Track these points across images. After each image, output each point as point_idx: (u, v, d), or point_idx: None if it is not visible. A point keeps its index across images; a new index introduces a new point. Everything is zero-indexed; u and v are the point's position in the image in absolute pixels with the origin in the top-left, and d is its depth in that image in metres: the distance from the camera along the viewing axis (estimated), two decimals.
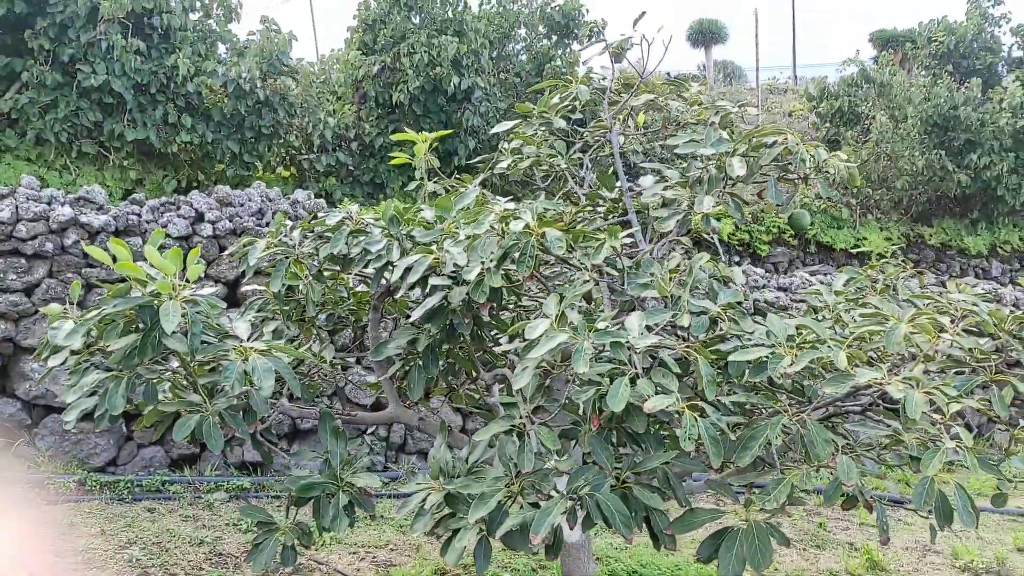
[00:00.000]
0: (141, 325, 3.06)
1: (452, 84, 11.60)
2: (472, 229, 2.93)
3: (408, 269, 3.03)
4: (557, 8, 13.79)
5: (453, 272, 3.01)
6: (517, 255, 2.79)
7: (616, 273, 3.07)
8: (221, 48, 11.95)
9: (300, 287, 3.96)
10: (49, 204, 6.40)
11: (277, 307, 4.27)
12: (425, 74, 11.59)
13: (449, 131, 5.76)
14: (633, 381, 2.44)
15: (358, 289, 4.17)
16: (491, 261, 2.83)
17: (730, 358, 2.57)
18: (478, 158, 4.34)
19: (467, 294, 2.90)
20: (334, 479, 3.28)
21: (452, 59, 11.63)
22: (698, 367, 2.48)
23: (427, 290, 3.23)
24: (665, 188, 3.29)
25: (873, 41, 21.63)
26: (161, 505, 6.04)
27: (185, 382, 3.30)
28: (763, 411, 2.76)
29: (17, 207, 6.27)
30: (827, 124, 14.99)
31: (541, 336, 2.53)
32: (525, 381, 2.62)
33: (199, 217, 6.79)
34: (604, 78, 3.86)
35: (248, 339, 3.25)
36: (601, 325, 2.57)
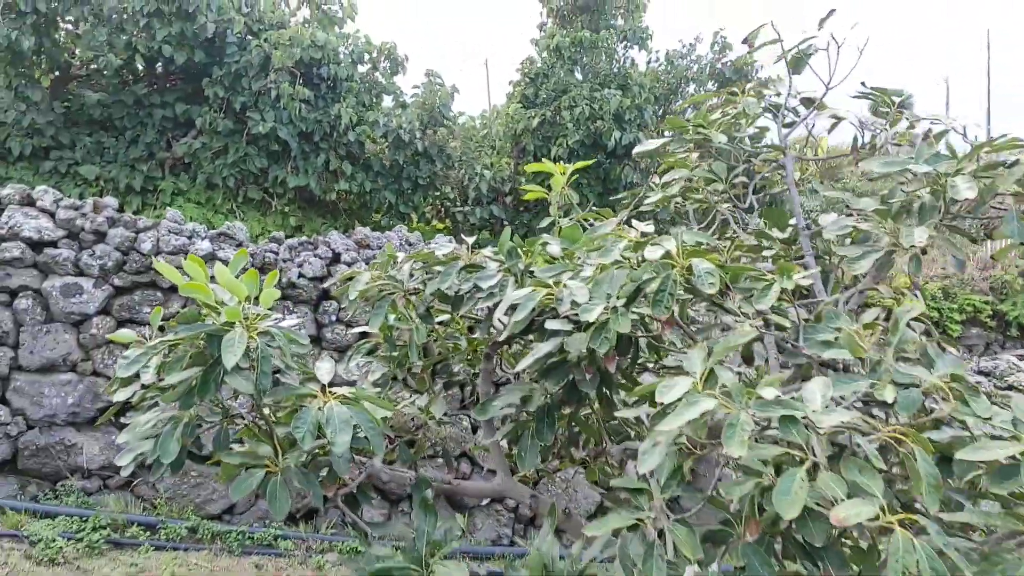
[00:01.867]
0: (209, 358, 2.61)
1: (612, 138, 11.07)
2: (598, 258, 2.29)
3: (513, 307, 2.42)
4: (728, 64, 13.05)
5: (573, 313, 2.37)
6: (653, 291, 2.10)
7: (788, 326, 2.32)
8: (386, 100, 12.06)
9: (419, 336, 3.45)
10: (190, 239, 6.34)
11: (388, 352, 3.78)
12: (585, 127, 11.15)
13: (591, 160, 5.12)
14: (812, 474, 1.69)
15: (475, 336, 3.60)
16: (618, 299, 2.17)
17: (958, 454, 1.76)
18: (622, 195, 3.67)
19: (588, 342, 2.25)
20: (417, 564, 2.67)
21: (614, 113, 11.14)
22: (912, 463, 1.69)
23: (545, 336, 2.61)
24: (857, 220, 2.51)
25: None
26: (270, 562, 5.65)
27: (257, 429, 2.81)
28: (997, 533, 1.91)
29: (159, 239, 6.23)
30: None
31: (680, 400, 1.83)
32: (655, 461, 1.91)
33: (335, 258, 6.52)
34: (778, 92, 3.14)
35: (330, 383, 2.73)
36: (767, 392, 1.84)
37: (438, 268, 3.19)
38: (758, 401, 1.82)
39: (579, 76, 12.27)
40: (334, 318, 6.49)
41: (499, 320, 2.94)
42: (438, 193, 11.92)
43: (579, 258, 2.67)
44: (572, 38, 11.86)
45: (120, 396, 2.77)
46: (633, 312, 2.22)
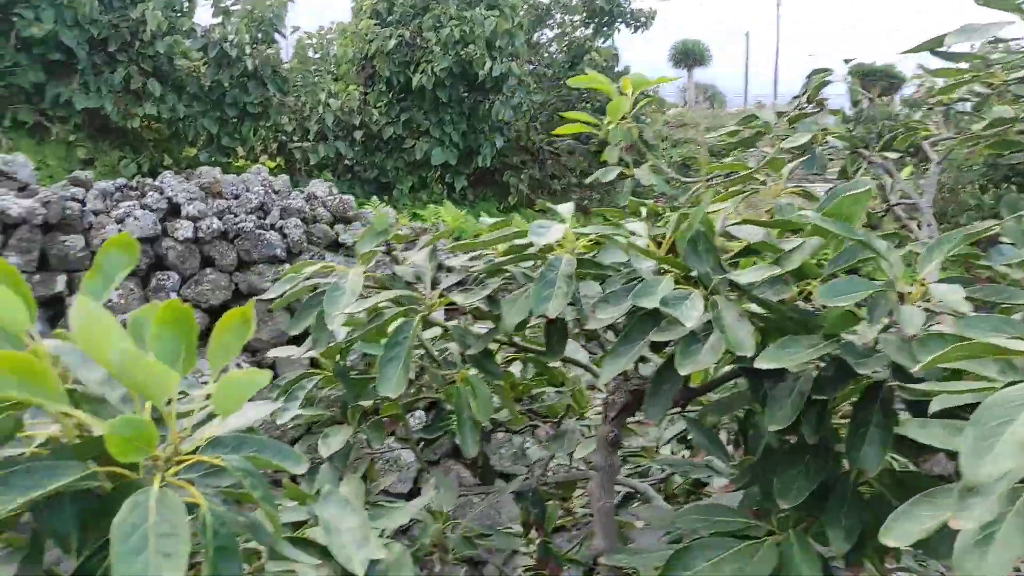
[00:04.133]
0: None
1: (484, 68, 9.49)
2: None
3: None
4: None
5: None
6: None
7: None
8: (203, 8, 9.72)
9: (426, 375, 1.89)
10: None
11: (331, 390, 2.19)
12: (455, 52, 9.46)
13: None
14: None
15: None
16: None
17: None
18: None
19: None
20: None
21: (487, 37, 9.53)
22: None
23: None
24: None
25: (854, 75, 20.54)
26: None
27: None
28: None
29: None
30: None
31: None
32: None
33: (173, 210, 4.59)
34: None
35: (358, 554, 1.15)
36: None
37: (510, 268, 1.63)
38: None
39: None
40: (173, 295, 4.58)
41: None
42: (270, 124, 9.83)
43: None
44: None
45: None
46: None
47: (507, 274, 1.67)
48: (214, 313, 4.68)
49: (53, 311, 4.54)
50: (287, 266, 4.65)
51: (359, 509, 1.17)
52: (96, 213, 4.47)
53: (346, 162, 10.28)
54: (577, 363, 1.72)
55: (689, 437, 2.54)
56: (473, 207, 10.37)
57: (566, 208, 1.62)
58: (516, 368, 2.17)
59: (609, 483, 1.57)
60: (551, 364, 1.99)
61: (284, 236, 4.89)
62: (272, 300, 1.74)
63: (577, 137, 11.49)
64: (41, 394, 0.84)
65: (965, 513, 0.82)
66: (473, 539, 1.99)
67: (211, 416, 1.03)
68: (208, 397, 0.93)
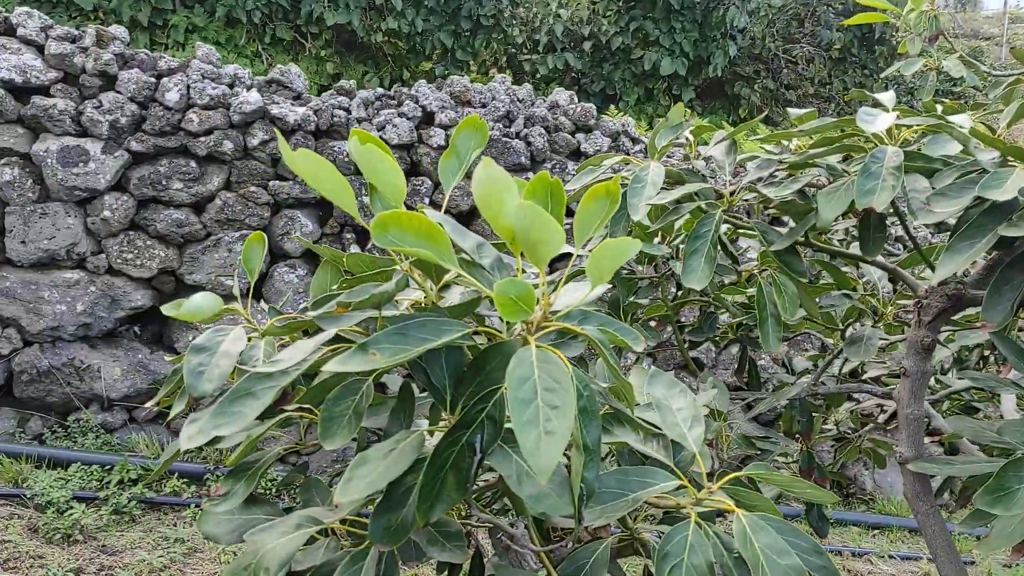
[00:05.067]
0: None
1: None
2: None
3: None
4: None
5: None
6: None
7: None
8: None
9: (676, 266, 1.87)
10: (231, 87, 4.62)
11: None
12: None
13: None
14: None
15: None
16: None
17: None
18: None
19: None
20: None
21: None
22: None
23: None
24: None
25: None
26: None
27: None
28: None
29: (188, 87, 4.51)
30: None
31: None
32: None
33: (428, 118, 4.81)
34: None
35: (691, 432, 1.18)
36: None
37: (816, 161, 1.55)
38: None
39: None
40: (426, 199, 4.84)
41: None
42: (502, 36, 9.95)
43: None
44: None
45: (190, 444, 1.18)
46: None
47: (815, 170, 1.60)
48: (462, 218, 4.90)
49: (322, 211, 4.95)
50: (531, 174, 4.76)
51: (687, 390, 1.19)
52: (359, 121, 4.77)
53: (572, 74, 10.25)
54: (886, 267, 1.62)
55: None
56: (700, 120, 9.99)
57: (888, 97, 1.51)
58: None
59: (921, 389, 1.50)
60: (846, 267, 1.90)
61: (528, 144, 4.98)
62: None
63: (817, 43, 10.69)
64: (439, 254, 0.91)
65: None
66: (751, 439, 1.98)
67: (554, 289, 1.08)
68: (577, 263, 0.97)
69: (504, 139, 4.84)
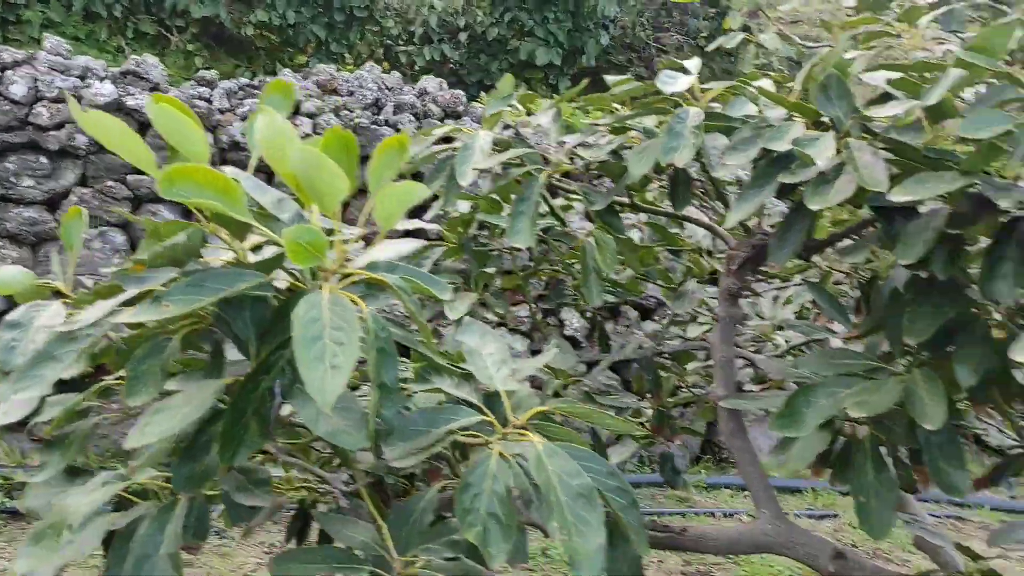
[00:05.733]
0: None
1: None
2: None
3: None
4: None
5: None
6: None
7: None
8: None
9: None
10: (83, 79, 4.44)
11: (456, 260, 2.30)
12: None
13: None
14: None
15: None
16: None
17: None
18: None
19: None
20: None
21: None
22: None
23: None
24: None
25: None
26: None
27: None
28: None
29: (36, 80, 4.31)
30: None
31: None
32: None
33: (293, 108, 4.75)
34: None
35: (498, 373, 1.24)
36: None
37: (631, 124, 1.64)
38: None
39: None
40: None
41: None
42: (377, 28, 9.90)
43: None
44: None
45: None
46: None
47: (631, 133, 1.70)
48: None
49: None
50: None
51: (499, 337, 1.26)
52: (222, 111, 4.68)
53: (450, 65, 10.28)
54: (700, 223, 1.74)
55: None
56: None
57: (693, 63, 1.62)
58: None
59: (729, 334, 1.61)
60: (672, 228, 2.01)
61: (397, 131, 5.00)
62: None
63: (685, 32, 11.09)
64: (230, 206, 0.93)
65: None
66: (590, 394, 2.07)
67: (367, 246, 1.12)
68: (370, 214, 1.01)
69: (373, 127, 4.83)
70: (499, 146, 1.73)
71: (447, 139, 1.79)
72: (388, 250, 1.13)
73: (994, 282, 1.18)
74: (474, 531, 0.99)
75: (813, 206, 1.22)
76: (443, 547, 1.13)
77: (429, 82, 5.35)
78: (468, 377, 1.21)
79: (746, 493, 5.20)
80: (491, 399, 1.19)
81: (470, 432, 1.13)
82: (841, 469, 1.38)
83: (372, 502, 1.21)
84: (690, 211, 1.76)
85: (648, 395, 2.43)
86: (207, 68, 9.38)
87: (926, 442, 1.26)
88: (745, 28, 2.21)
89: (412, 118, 4.99)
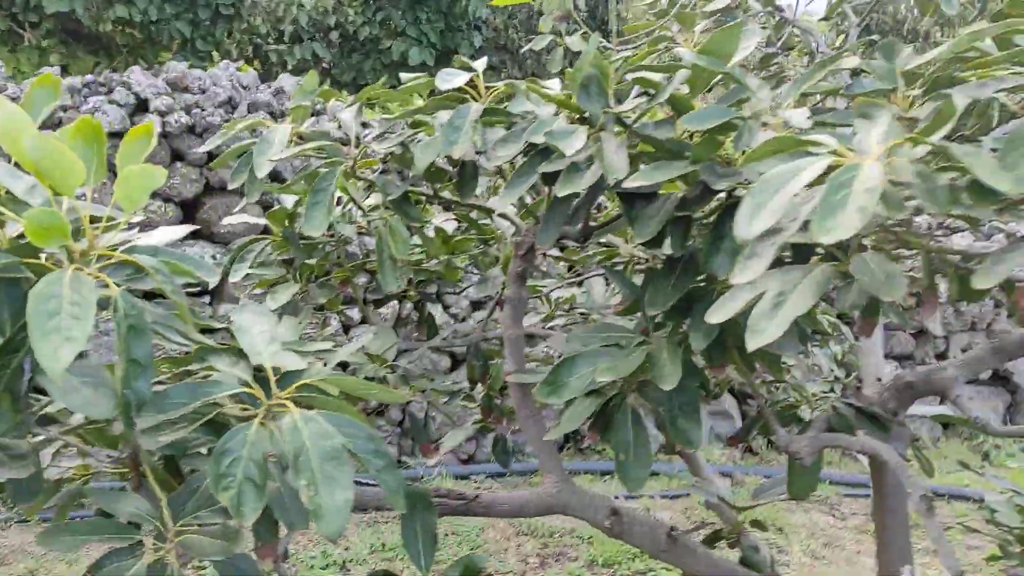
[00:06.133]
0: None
1: None
2: None
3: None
4: None
5: None
6: None
7: None
8: None
9: (343, 229, 2.03)
10: None
11: (282, 253, 2.35)
12: None
13: None
14: None
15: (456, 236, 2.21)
16: None
17: None
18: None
19: None
20: None
21: None
22: None
23: None
24: None
25: None
26: None
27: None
28: None
29: None
30: None
31: None
32: None
33: (141, 106, 4.65)
34: None
35: (266, 349, 1.31)
36: None
37: (424, 118, 1.75)
38: None
39: None
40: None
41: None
42: (245, 26, 9.73)
43: None
44: None
45: None
46: None
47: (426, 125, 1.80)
48: (187, 206, 4.79)
49: None
50: None
51: (272, 317, 1.33)
52: (65, 109, 4.54)
53: (323, 65, 10.22)
54: (506, 217, 1.85)
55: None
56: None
57: (480, 63, 1.73)
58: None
59: (518, 313, 1.74)
60: (483, 221, 2.13)
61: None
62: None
63: (556, 34, 11.35)
64: None
65: (742, 272, 0.98)
66: (410, 380, 2.17)
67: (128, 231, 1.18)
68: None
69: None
70: (303, 139, 1.80)
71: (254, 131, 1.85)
72: (159, 236, 1.19)
73: (715, 257, 1.33)
74: (228, 494, 1.06)
75: (561, 192, 1.35)
76: (213, 514, 1.19)
77: (286, 81, 5.33)
78: (244, 356, 1.28)
79: (605, 478, 5.43)
80: (260, 374, 1.27)
81: (244, 407, 1.20)
82: (604, 429, 1.52)
83: (157, 476, 1.27)
84: (494, 202, 1.88)
85: (479, 381, 2.55)
86: (64, 65, 9.01)
87: (669, 402, 1.42)
88: (556, 32, 2.36)
89: (268, 116, 4.97)
